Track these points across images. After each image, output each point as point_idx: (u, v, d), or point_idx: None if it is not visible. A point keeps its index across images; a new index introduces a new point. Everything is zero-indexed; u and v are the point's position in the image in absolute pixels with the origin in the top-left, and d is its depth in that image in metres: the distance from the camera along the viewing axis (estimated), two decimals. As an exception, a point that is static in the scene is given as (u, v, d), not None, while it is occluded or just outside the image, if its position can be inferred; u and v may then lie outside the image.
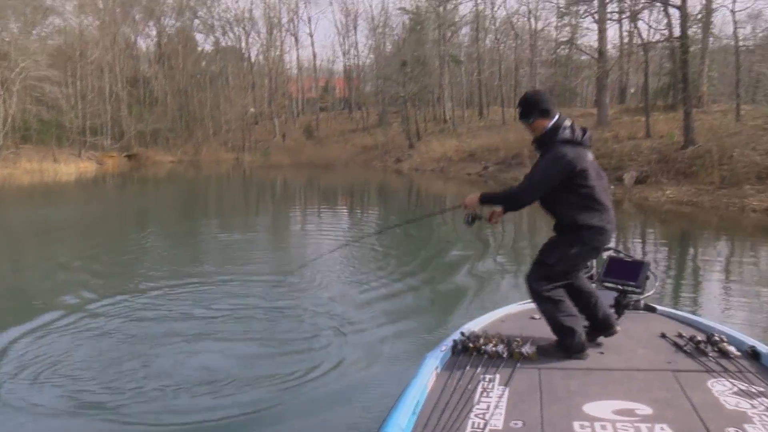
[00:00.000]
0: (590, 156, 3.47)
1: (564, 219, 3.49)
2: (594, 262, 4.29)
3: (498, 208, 3.73)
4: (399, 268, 9.37)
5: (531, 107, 3.50)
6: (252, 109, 54.50)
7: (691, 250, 11.66)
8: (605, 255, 4.22)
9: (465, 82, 47.86)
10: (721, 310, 7.01)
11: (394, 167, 35.54)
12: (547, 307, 3.45)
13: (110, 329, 6.32)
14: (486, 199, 3.62)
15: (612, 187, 19.01)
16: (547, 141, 3.45)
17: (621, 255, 4.31)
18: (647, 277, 4.08)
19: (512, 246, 12.05)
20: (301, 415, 4.34)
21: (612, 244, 4.15)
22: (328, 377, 4.95)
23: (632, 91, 42.32)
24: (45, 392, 4.78)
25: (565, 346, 3.40)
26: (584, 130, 3.48)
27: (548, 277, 3.46)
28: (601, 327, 3.60)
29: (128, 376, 5.07)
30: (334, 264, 9.37)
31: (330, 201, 22.73)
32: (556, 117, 3.46)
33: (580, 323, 3.44)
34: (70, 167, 38.75)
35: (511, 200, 3.58)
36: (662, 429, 2.55)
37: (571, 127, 3.44)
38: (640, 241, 12.45)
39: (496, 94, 47.36)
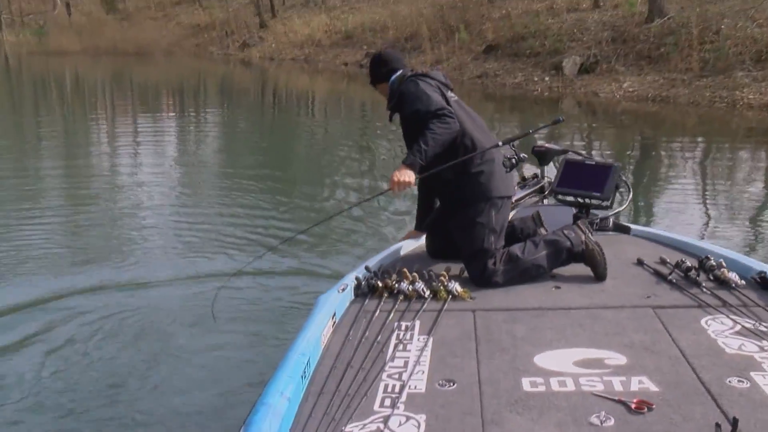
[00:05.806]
0: (450, 94, 3.03)
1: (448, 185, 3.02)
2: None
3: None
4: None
5: (376, 69, 3.20)
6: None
7: (663, 162, 8.62)
8: (561, 158, 3.60)
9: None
10: (711, 232, 5.53)
11: (240, 55, 26.87)
12: (514, 276, 2.87)
13: None
14: (421, 168, 2.87)
15: (546, 79, 14.18)
16: (393, 91, 3.09)
17: (581, 157, 3.64)
18: (617, 186, 3.34)
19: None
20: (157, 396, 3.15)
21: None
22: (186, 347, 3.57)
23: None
24: None
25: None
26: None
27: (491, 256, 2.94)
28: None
29: None
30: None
31: (149, 103, 16.72)
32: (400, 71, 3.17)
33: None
34: None
35: (434, 146, 2.84)
36: (641, 383, 2.01)
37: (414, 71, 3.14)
38: (585, 153, 8.45)
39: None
